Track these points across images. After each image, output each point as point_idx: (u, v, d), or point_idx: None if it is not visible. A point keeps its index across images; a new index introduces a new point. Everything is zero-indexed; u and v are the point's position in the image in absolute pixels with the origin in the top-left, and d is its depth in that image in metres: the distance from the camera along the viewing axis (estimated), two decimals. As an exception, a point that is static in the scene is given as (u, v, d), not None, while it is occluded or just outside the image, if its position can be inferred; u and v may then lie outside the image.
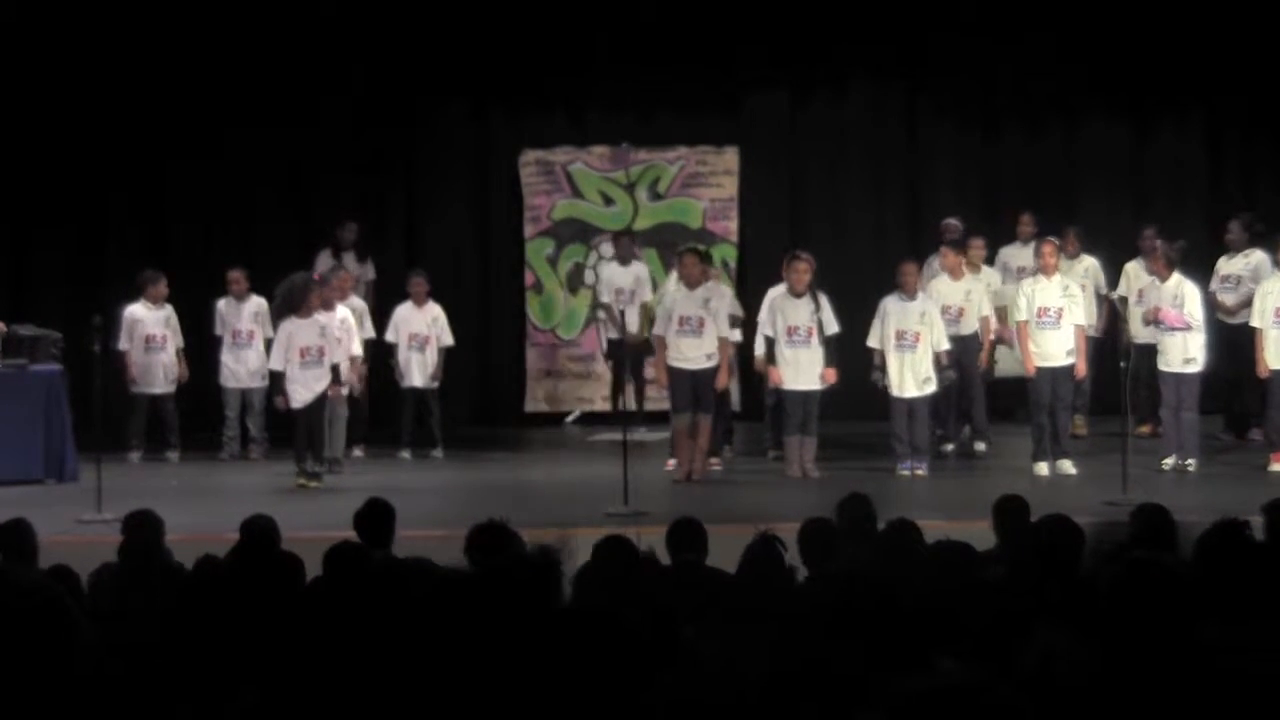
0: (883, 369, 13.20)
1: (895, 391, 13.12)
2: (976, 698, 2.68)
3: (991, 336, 14.09)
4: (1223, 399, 14.58)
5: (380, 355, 14.83)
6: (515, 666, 3.26)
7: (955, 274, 14.07)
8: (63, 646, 3.64)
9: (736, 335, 13.66)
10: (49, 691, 3.59)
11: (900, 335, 13.12)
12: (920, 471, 13.02)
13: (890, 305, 13.23)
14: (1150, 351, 13.46)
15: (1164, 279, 13.12)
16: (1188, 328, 12.93)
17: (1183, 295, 13.00)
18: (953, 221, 14.95)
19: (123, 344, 14.44)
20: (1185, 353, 12.97)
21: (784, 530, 7.08)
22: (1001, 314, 14.01)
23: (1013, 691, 2.75)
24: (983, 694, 2.69)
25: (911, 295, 13.23)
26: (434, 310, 14.74)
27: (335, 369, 13.15)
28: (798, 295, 13.11)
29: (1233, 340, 13.72)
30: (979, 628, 5.12)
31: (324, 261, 15.18)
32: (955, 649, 4.38)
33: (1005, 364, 14.68)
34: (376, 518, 8.04)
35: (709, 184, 16.79)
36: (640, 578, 6.67)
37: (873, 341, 13.23)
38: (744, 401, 15.22)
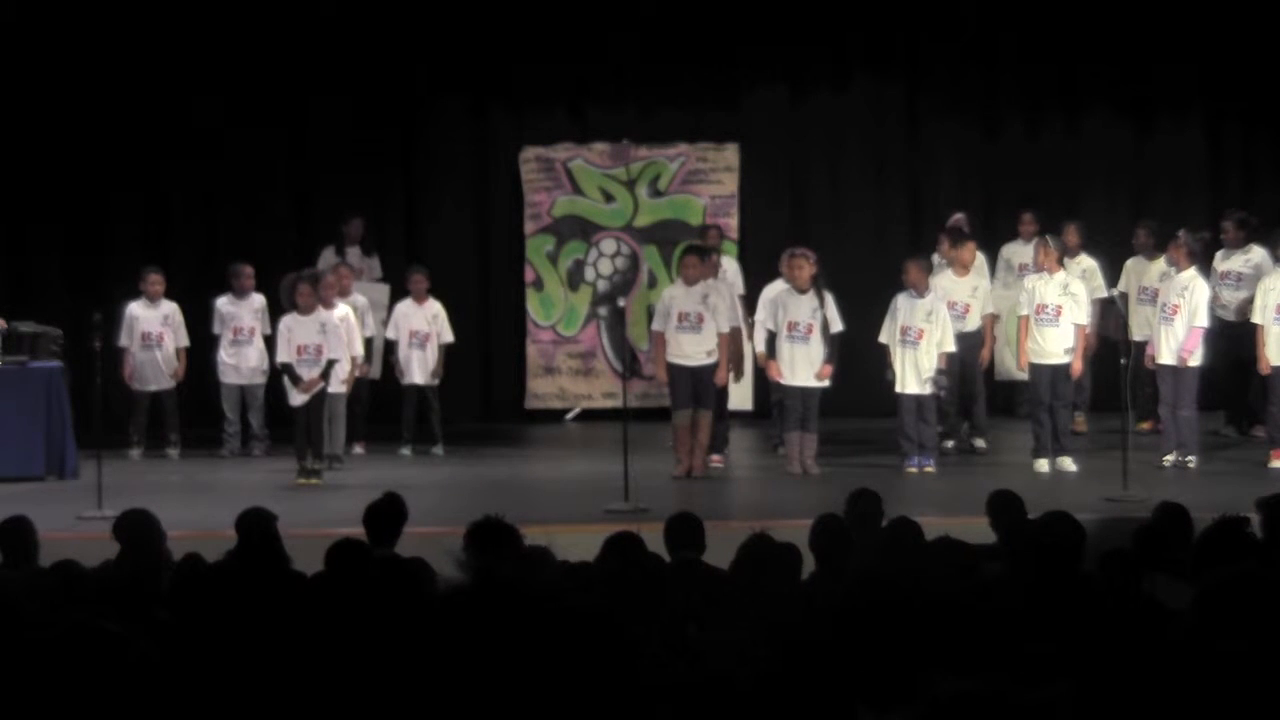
0: (891, 366, 13.21)
1: (898, 388, 13.12)
2: (1007, 703, 2.69)
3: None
4: (1225, 395, 14.60)
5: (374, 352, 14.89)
6: (515, 665, 3.26)
7: (961, 270, 14.08)
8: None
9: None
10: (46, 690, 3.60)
11: (905, 331, 13.13)
12: (929, 468, 13.02)
13: (900, 301, 13.24)
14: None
15: (1181, 269, 13.10)
16: (1196, 348, 12.91)
17: (1192, 290, 12.98)
18: (961, 216, 14.97)
19: (123, 341, 14.46)
20: (1180, 345, 12.97)
21: (784, 527, 7.10)
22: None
23: (1041, 698, 2.76)
24: (1012, 700, 2.69)
25: (921, 292, 13.23)
26: (434, 307, 14.75)
27: (330, 364, 13.14)
28: (801, 291, 13.11)
29: (1235, 337, 13.72)
30: (978, 625, 5.13)
31: (327, 258, 15.19)
32: (955, 647, 4.38)
33: (1005, 367, 14.72)
34: (389, 514, 8.05)
35: (709, 180, 16.78)
36: (647, 574, 6.69)
37: (883, 337, 13.25)
38: (755, 399, 15.33)
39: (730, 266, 14.89)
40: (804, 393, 13.04)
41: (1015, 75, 16.70)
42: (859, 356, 13.68)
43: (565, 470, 13.85)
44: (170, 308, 14.68)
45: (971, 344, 13.89)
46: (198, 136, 16.10)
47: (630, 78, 16.65)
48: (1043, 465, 13.00)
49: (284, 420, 13.61)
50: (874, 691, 3.86)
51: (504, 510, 7.09)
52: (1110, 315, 14.21)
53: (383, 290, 15.41)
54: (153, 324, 14.57)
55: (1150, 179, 16.82)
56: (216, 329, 14.74)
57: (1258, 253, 14.05)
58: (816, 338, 13.05)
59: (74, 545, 8.74)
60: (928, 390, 13.12)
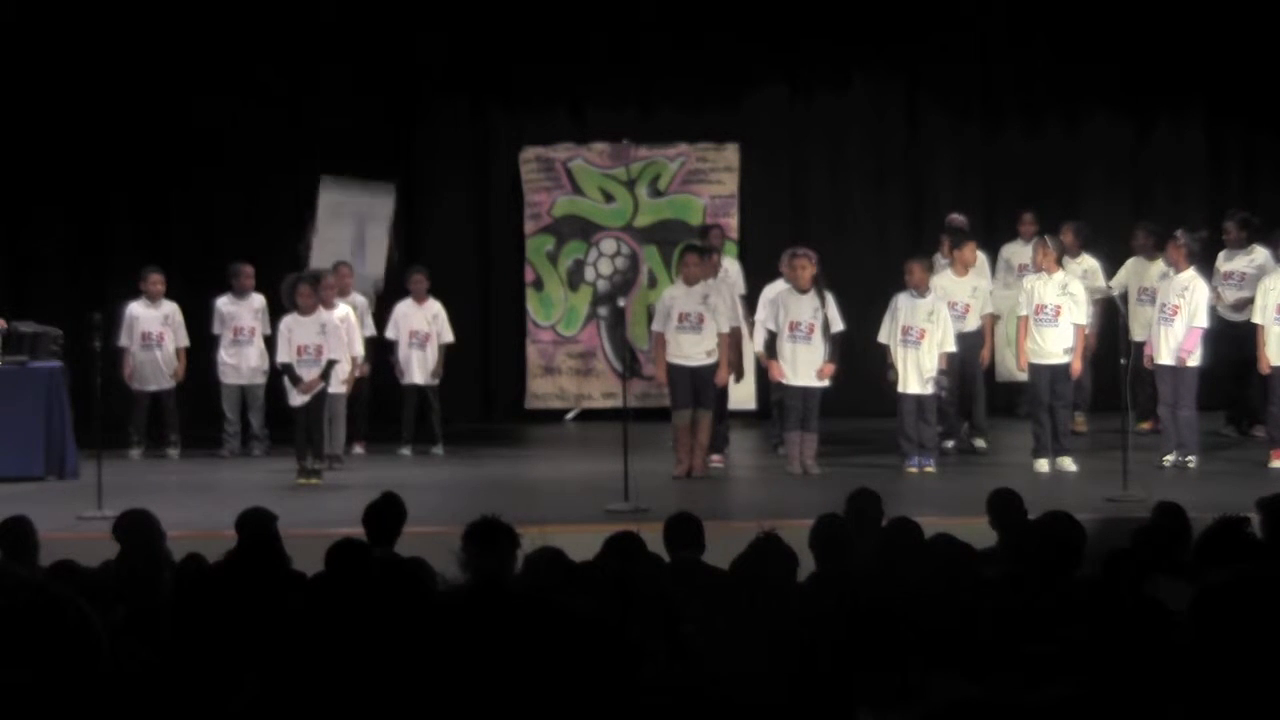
0: (893, 365, 13.21)
1: (900, 387, 13.12)
2: (1006, 709, 2.69)
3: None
4: (1225, 395, 14.60)
5: (381, 352, 14.87)
6: (514, 666, 3.27)
7: (961, 270, 14.07)
8: (75, 649, 3.64)
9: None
10: (62, 695, 3.60)
11: (906, 331, 13.13)
12: (929, 468, 13.02)
13: (901, 301, 13.24)
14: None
15: (1180, 269, 13.10)
16: (1195, 348, 12.90)
17: (1192, 290, 12.97)
18: (958, 216, 14.98)
19: (123, 341, 14.46)
20: (1179, 345, 12.97)
21: (784, 527, 7.09)
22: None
23: (1041, 700, 2.76)
24: (1012, 706, 2.70)
25: (922, 292, 13.22)
26: (434, 307, 14.75)
27: (329, 364, 13.14)
28: (802, 291, 13.11)
29: (1236, 337, 13.71)
30: (978, 625, 5.13)
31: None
32: (955, 647, 4.38)
33: (1005, 367, 14.73)
34: (387, 513, 8.06)
35: (709, 180, 16.78)
36: (647, 574, 6.68)
37: (882, 337, 13.24)
38: (757, 398, 15.35)
39: (731, 266, 14.89)
40: (805, 392, 13.04)
41: (1015, 75, 16.70)
42: (859, 356, 13.69)
43: (565, 470, 13.85)
44: (170, 307, 14.67)
45: (971, 344, 13.88)
46: (198, 136, 16.10)
47: (630, 78, 16.66)
48: (1043, 465, 13.00)
49: (284, 420, 13.60)
50: (874, 691, 3.87)
51: (504, 510, 7.08)
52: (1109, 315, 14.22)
53: (388, 200, 15.31)
54: (153, 324, 14.57)
55: (1150, 179, 16.82)
56: (216, 329, 14.74)
57: (1260, 253, 14.04)
58: (818, 337, 13.05)
59: (74, 545, 8.74)
60: (929, 390, 13.11)
